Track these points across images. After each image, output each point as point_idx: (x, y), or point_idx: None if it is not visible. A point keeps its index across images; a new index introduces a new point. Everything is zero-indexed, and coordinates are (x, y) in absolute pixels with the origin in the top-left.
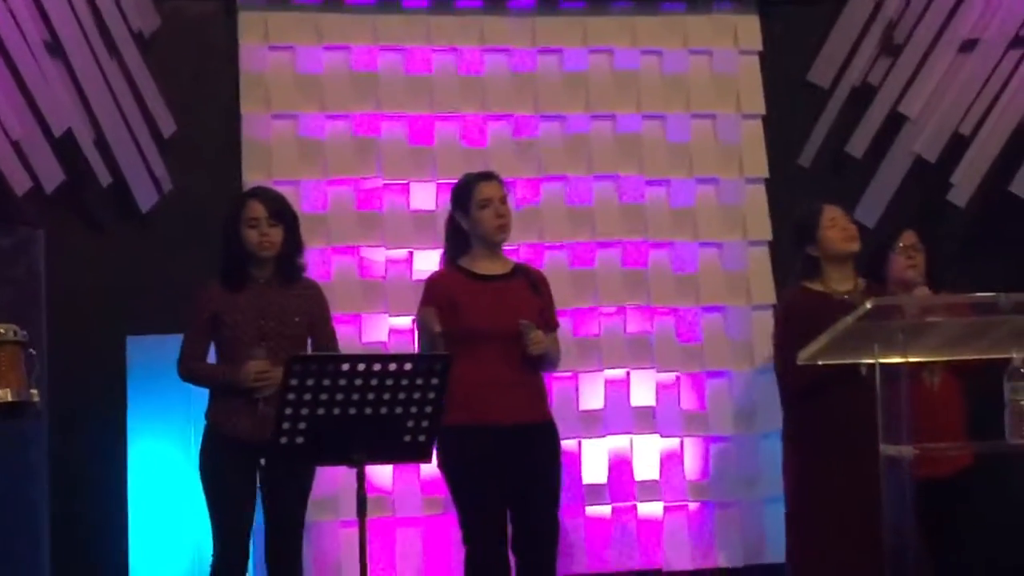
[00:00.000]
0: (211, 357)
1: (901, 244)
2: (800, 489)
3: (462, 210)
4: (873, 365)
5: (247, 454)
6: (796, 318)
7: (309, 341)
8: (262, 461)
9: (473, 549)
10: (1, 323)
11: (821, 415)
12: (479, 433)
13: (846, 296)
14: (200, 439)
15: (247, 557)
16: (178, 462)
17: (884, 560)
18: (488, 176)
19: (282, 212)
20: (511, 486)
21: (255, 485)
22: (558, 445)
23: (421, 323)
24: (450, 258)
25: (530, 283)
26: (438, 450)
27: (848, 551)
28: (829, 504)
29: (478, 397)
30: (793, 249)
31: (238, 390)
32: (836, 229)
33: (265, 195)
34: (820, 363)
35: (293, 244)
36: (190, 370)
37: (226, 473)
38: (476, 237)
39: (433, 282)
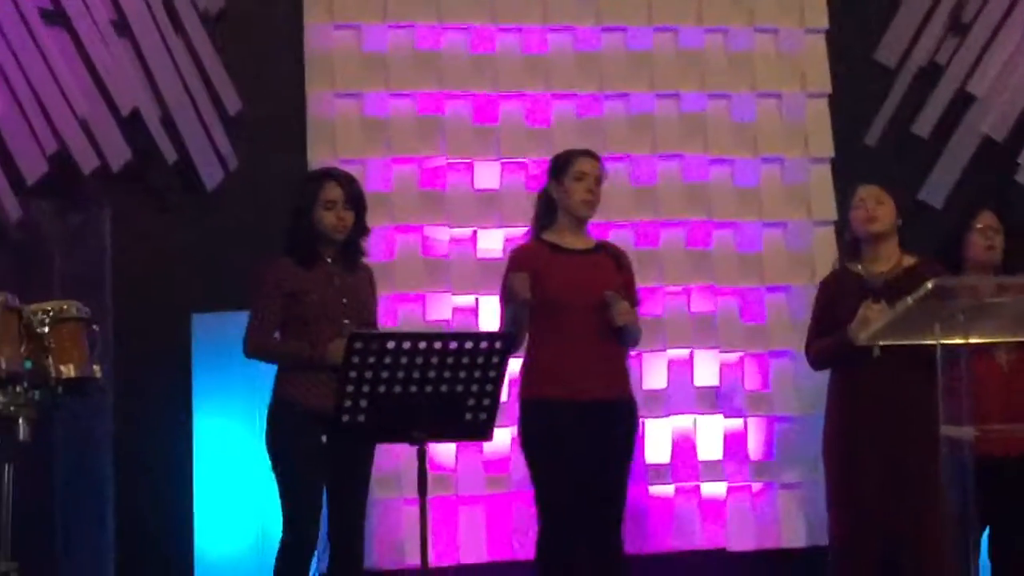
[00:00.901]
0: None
1: (979, 225)
2: (830, 468)
3: (556, 180)
4: (934, 346)
5: (319, 431)
6: (822, 298)
7: None
8: (323, 439)
9: (547, 525)
10: (65, 300)
11: (841, 392)
12: (559, 408)
13: (878, 278)
14: (266, 416)
15: (318, 531)
16: (243, 439)
17: (920, 540)
18: (590, 154)
19: (357, 197)
20: (586, 462)
21: (325, 459)
22: (635, 423)
23: (509, 288)
24: (536, 231)
25: (614, 259)
26: (519, 423)
27: (870, 532)
28: (854, 484)
29: (560, 371)
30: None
31: (321, 366)
32: (860, 210)
33: (344, 178)
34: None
35: (360, 229)
36: (262, 346)
37: (300, 450)
38: (563, 209)
39: (517, 253)
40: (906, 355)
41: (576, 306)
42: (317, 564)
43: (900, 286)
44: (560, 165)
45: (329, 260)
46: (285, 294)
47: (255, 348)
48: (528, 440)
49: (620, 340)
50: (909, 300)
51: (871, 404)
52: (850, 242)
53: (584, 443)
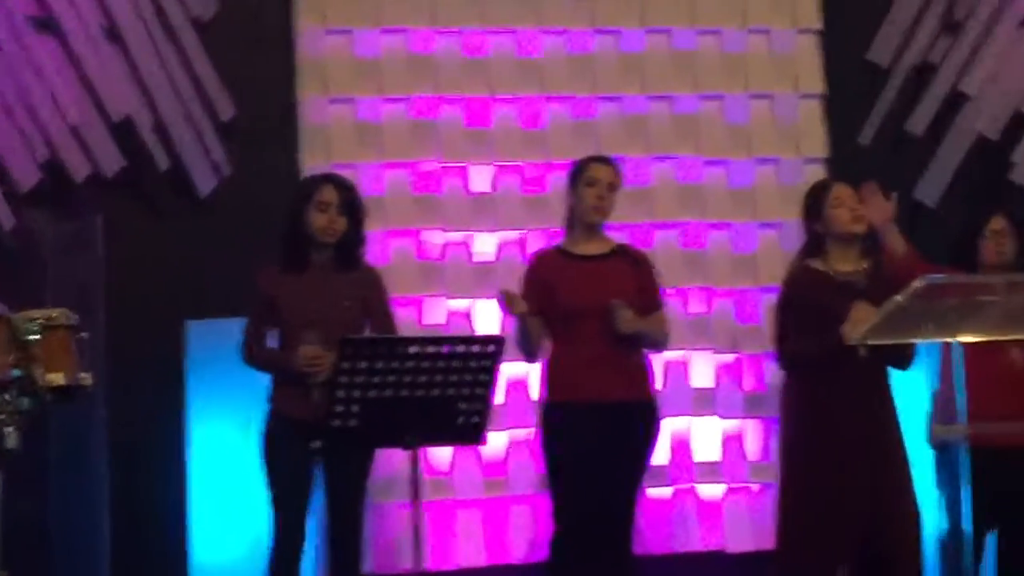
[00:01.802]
0: (273, 341)
1: (990, 229)
2: (787, 470)
3: (571, 186)
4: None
5: (304, 438)
6: (795, 296)
7: (368, 325)
8: (316, 444)
9: (562, 527)
10: (54, 308)
11: (813, 395)
12: (576, 410)
13: (849, 278)
14: (261, 423)
15: (304, 540)
16: (238, 446)
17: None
18: (604, 159)
19: (353, 203)
20: (603, 464)
21: (312, 469)
22: (655, 425)
23: (505, 306)
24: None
25: (630, 263)
26: (538, 427)
27: (832, 536)
28: (816, 488)
29: (575, 375)
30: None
31: (294, 375)
32: (843, 209)
33: (340, 182)
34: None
35: (355, 236)
36: (250, 355)
37: (285, 457)
38: (576, 215)
39: (532, 261)
40: (883, 354)
41: (588, 312)
42: (315, 570)
43: (878, 285)
44: (574, 172)
45: (320, 265)
46: (267, 301)
47: (245, 356)
48: (547, 443)
49: (638, 344)
50: (899, 298)
51: (847, 407)
52: (815, 239)
53: (602, 445)
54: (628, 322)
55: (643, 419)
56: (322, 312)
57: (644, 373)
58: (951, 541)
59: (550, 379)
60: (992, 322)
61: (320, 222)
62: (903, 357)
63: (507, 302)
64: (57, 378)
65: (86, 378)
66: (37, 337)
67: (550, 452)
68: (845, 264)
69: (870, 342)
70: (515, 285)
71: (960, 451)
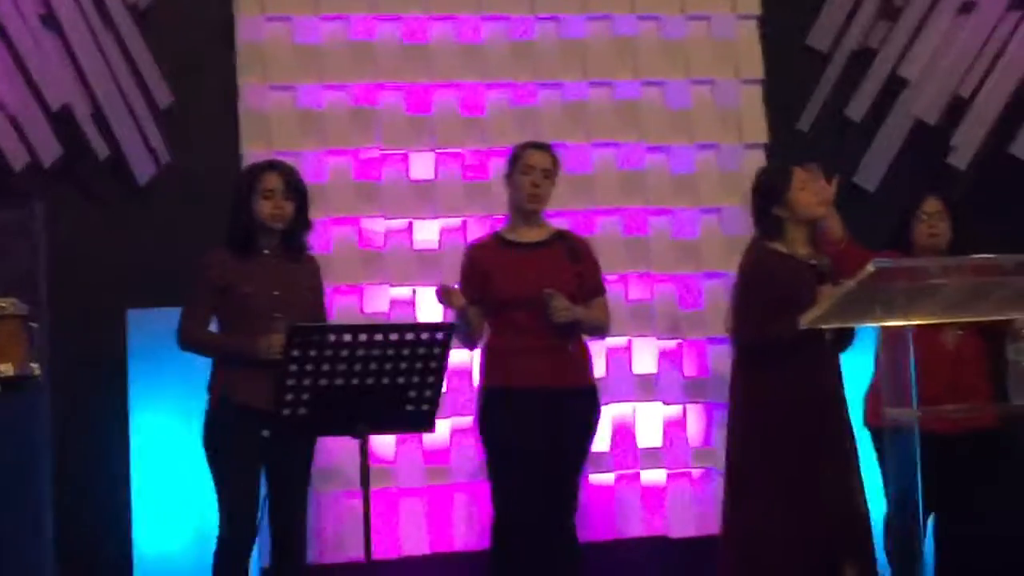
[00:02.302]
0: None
1: (924, 211)
2: (749, 457)
3: (508, 174)
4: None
5: (257, 426)
6: (762, 281)
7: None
8: (265, 433)
9: (502, 514)
10: (2, 298)
11: (781, 380)
12: (512, 397)
13: (813, 261)
14: (205, 411)
15: (256, 531)
16: (180, 436)
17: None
18: (539, 146)
19: (297, 187)
20: (542, 450)
21: (260, 458)
22: (595, 411)
23: (441, 301)
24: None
25: (568, 249)
26: (476, 413)
27: (798, 523)
28: (783, 475)
29: (512, 363)
30: (755, 210)
31: (253, 361)
32: (808, 192)
33: (283, 168)
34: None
35: (302, 221)
36: (195, 339)
37: (235, 446)
38: (513, 203)
39: (468, 250)
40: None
41: (523, 300)
42: (259, 560)
43: (840, 269)
44: (511, 159)
45: (267, 252)
46: (218, 287)
47: (187, 340)
48: (484, 429)
49: (576, 332)
50: (852, 283)
51: (815, 389)
52: (773, 222)
53: (540, 431)
54: (562, 311)
55: (583, 405)
56: (287, 300)
57: (583, 360)
58: (897, 525)
59: (488, 365)
60: (940, 306)
61: (267, 209)
62: (848, 340)
63: (444, 296)
64: (8, 368)
65: (35, 368)
66: None
67: (489, 438)
68: (803, 247)
69: (812, 327)
70: (457, 272)
71: (912, 435)
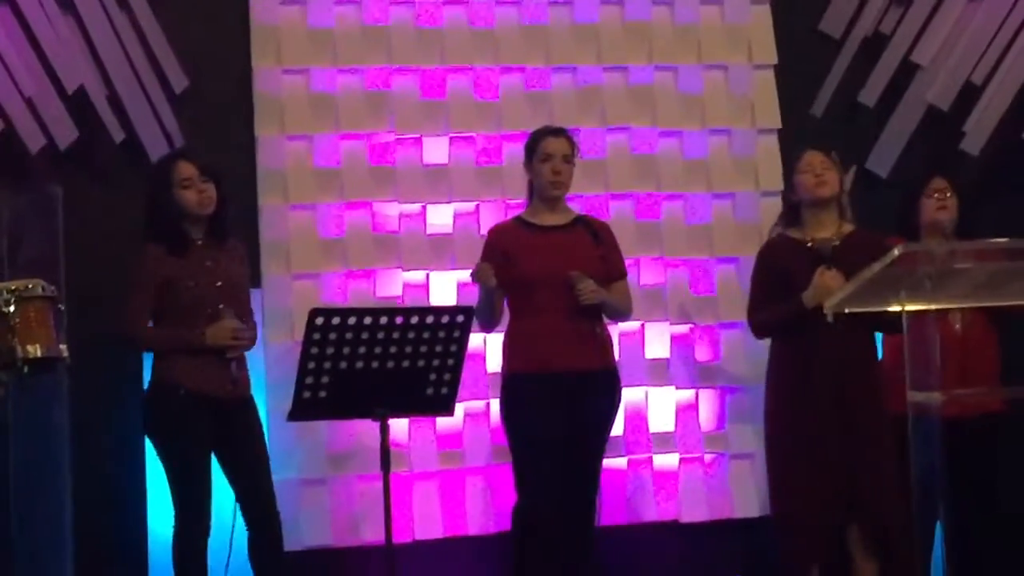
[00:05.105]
0: None
1: (932, 188)
2: (774, 435)
3: (528, 161)
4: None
5: (206, 414)
6: (762, 264)
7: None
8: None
9: (524, 497)
10: (30, 279)
11: (790, 360)
12: (537, 381)
13: (810, 243)
14: (144, 401)
15: (210, 518)
16: None
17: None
18: (556, 132)
19: (212, 169)
20: (564, 434)
21: (209, 444)
22: (616, 394)
23: (476, 277)
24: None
25: (590, 233)
26: (500, 397)
27: (821, 497)
28: (801, 450)
29: (538, 345)
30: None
31: (203, 350)
32: (808, 174)
33: (193, 154)
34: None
35: (223, 201)
36: (143, 336)
37: (187, 434)
38: (535, 189)
39: (492, 234)
40: (851, 321)
41: (548, 283)
42: (231, 547)
43: (848, 253)
44: (529, 146)
45: (199, 242)
46: (159, 283)
47: (136, 338)
48: (507, 413)
49: (599, 314)
50: (876, 267)
51: (821, 371)
52: (791, 208)
53: (563, 414)
54: (589, 293)
55: (606, 388)
56: (229, 288)
57: (606, 343)
58: (917, 508)
59: (512, 350)
60: (965, 290)
61: (191, 198)
62: (890, 321)
63: (480, 275)
64: (36, 350)
65: (64, 350)
66: (13, 309)
67: (513, 423)
68: (822, 231)
69: (837, 310)
70: (470, 256)
71: (934, 418)
